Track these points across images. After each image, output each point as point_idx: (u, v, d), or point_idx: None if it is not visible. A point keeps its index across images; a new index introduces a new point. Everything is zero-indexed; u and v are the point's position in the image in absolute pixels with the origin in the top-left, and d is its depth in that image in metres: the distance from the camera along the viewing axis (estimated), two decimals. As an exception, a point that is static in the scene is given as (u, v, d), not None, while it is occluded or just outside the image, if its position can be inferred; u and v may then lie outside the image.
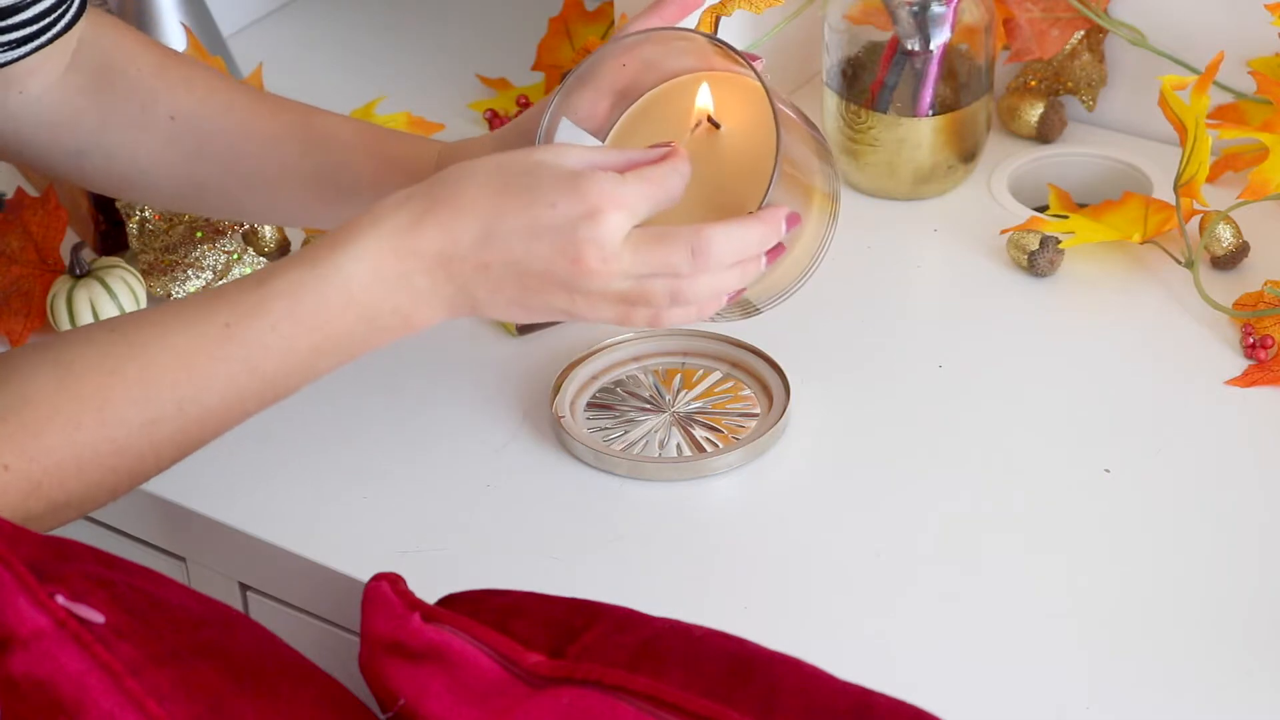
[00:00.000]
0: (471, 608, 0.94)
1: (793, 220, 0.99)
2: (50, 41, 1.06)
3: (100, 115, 1.12)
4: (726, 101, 1.04)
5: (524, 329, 1.20)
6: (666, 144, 0.99)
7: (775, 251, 1.00)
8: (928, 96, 1.29)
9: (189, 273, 1.25)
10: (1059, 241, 1.24)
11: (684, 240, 0.96)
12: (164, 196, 1.16)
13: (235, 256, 1.26)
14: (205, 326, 0.95)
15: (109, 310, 1.20)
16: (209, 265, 1.26)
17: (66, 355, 0.95)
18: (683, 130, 1.04)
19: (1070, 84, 1.38)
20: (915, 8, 1.26)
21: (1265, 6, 1.27)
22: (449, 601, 0.96)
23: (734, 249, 0.97)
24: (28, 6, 1.04)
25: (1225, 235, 1.24)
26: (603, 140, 1.06)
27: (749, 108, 1.03)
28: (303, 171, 1.13)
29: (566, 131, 1.03)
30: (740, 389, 1.16)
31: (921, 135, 1.30)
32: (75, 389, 0.94)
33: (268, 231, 1.26)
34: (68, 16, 1.07)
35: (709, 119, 1.04)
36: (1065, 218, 1.27)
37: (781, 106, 1.00)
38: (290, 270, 0.96)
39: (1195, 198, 1.21)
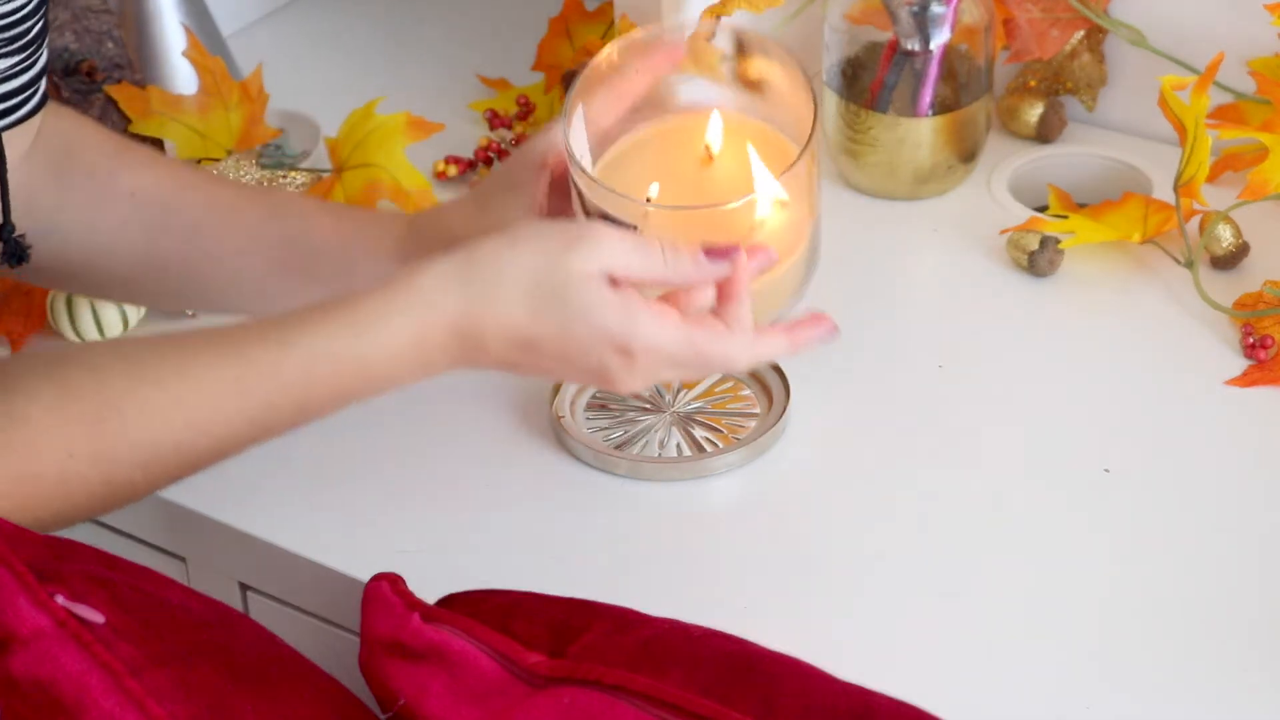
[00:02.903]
0: (471, 608, 0.94)
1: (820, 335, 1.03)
2: (12, 125, 1.05)
3: (58, 195, 1.09)
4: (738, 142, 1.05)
5: None
6: (721, 250, 0.99)
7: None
8: (928, 96, 1.29)
9: (189, 273, 1.25)
10: (1059, 241, 1.24)
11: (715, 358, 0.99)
12: (120, 281, 1.12)
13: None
14: (215, 376, 0.95)
15: (109, 311, 1.20)
16: (209, 265, 1.26)
17: (69, 378, 0.94)
18: (687, 161, 1.05)
19: (1070, 84, 1.38)
20: (915, 8, 1.26)
21: (1265, 6, 1.27)
22: (449, 601, 0.96)
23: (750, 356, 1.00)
24: None
25: (1225, 235, 1.24)
26: (600, 152, 1.05)
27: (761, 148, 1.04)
28: (268, 238, 1.11)
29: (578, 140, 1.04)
30: (740, 389, 1.16)
31: (921, 135, 1.30)
32: (75, 414, 0.94)
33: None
34: (31, 103, 1.06)
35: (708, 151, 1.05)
36: (1065, 218, 1.26)
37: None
38: (314, 336, 0.96)
39: (1195, 198, 1.21)
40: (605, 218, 1.01)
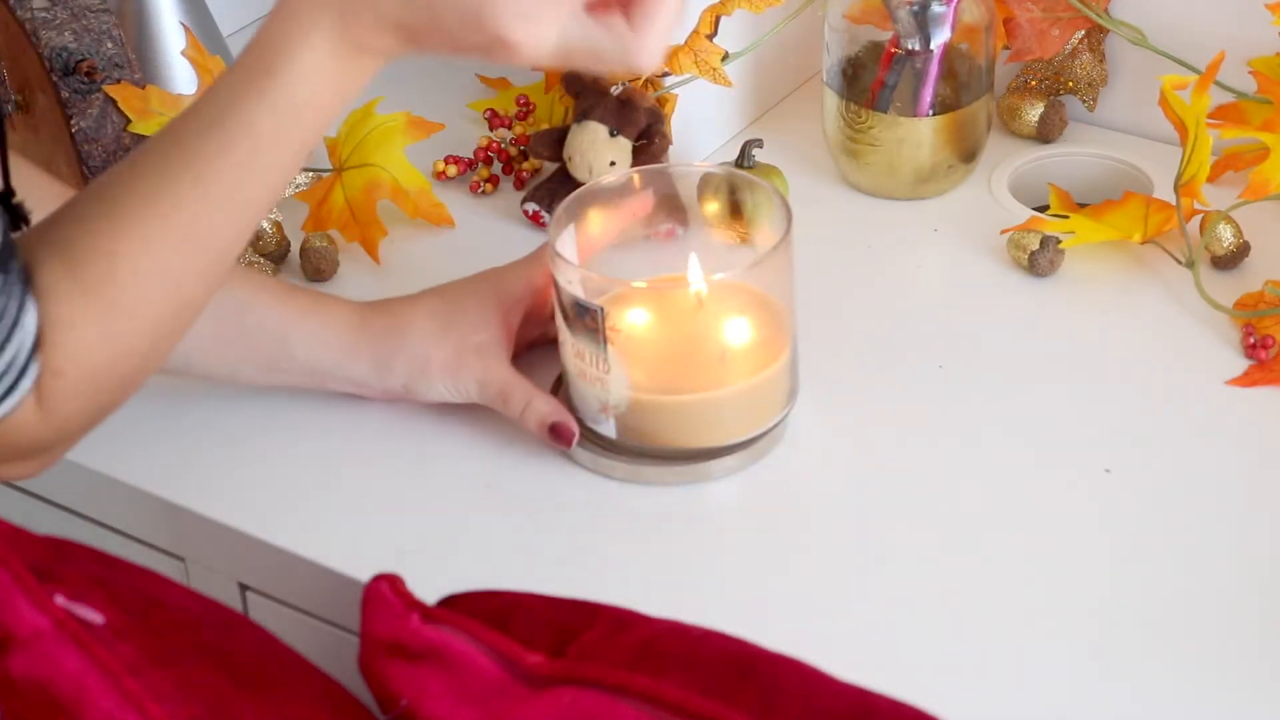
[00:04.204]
0: (471, 608, 0.94)
1: None
2: None
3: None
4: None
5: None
6: None
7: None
8: (928, 96, 1.28)
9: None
10: (1059, 241, 1.24)
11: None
12: None
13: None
14: (175, 178, 0.92)
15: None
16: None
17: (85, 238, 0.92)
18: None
19: (1070, 84, 1.38)
20: (915, 8, 1.26)
21: (1265, 6, 1.27)
22: (449, 601, 0.96)
23: None
24: None
25: (1226, 235, 1.24)
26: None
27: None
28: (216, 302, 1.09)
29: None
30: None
31: (921, 135, 1.30)
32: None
33: (266, 226, 1.27)
34: None
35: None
36: (1065, 218, 1.26)
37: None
38: (240, 108, 0.92)
39: (1196, 197, 1.21)
40: (578, 304, 1.06)
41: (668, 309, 1.09)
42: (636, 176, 1.13)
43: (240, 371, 1.12)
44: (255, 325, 1.10)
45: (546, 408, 1.10)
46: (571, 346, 1.08)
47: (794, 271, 1.09)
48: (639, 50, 0.92)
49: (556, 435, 1.10)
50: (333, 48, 0.91)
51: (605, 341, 1.05)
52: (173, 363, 1.10)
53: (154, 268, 0.92)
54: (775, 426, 1.10)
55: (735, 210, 1.12)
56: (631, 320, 1.08)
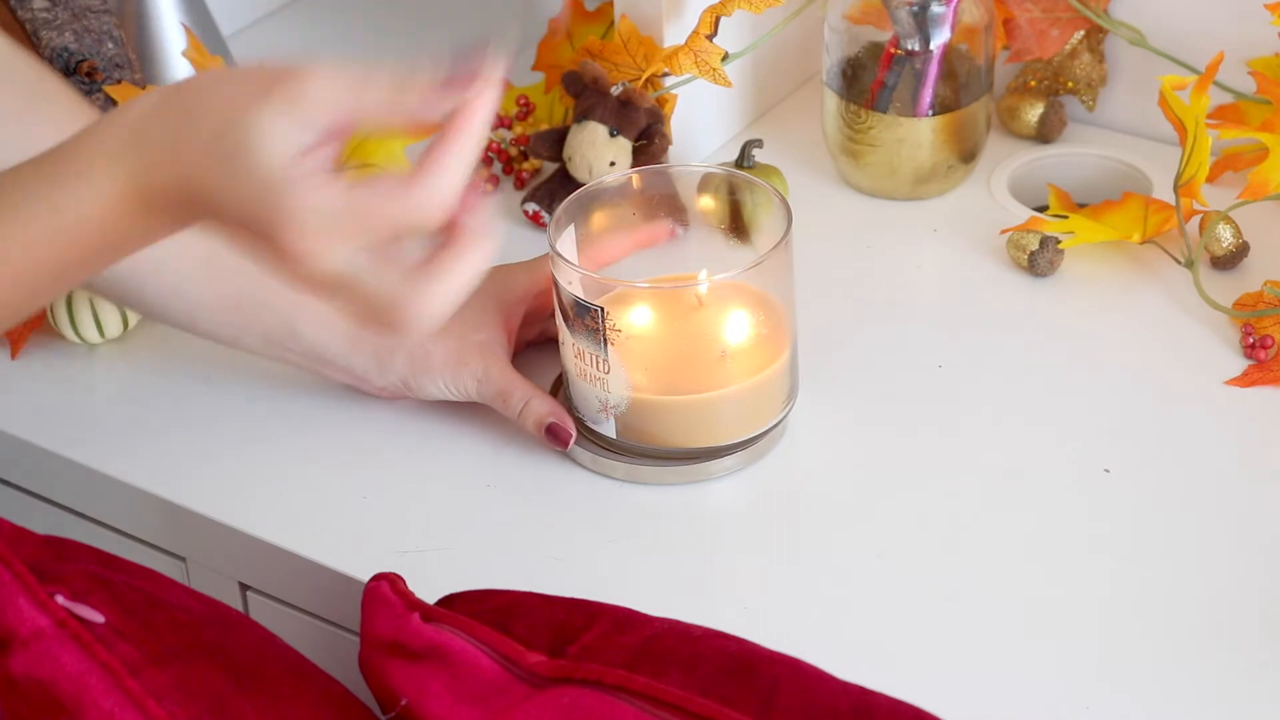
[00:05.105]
0: (471, 608, 0.94)
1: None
2: None
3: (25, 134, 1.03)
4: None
5: None
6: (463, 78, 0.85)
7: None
8: (927, 96, 1.29)
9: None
10: (1059, 241, 1.24)
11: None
12: None
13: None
14: None
15: (109, 310, 1.20)
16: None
17: None
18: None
19: (1070, 84, 1.38)
20: (915, 8, 1.26)
21: (1265, 6, 1.27)
22: (449, 601, 0.96)
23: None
24: None
25: (1225, 235, 1.24)
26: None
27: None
28: (223, 267, 1.09)
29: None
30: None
31: (921, 135, 1.30)
32: None
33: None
34: None
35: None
36: (1065, 218, 1.26)
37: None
38: (17, 188, 0.86)
39: (1195, 198, 1.21)
40: (578, 303, 1.05)
41: (668, 309, 1.09)
42: (636, 177, 1.13)
43: (244, 340, 1.11)
44: (268, 298, 1.09)
45: (544, 408, 1.10)
46: (572, 346, 1.08)
47: (794, 271, 1.09)
48: (415, 303, 0.84)
49: (553, 436, 1.10)
50: (122, 188, 0.85)
51: (606, 341, 1.06)
52: (179, 318, 1.10)
53: None
54: (775, 426, 1.11)
55: (735, 210, 1.12)
56: (632, 320, 1.08)
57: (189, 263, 1.09)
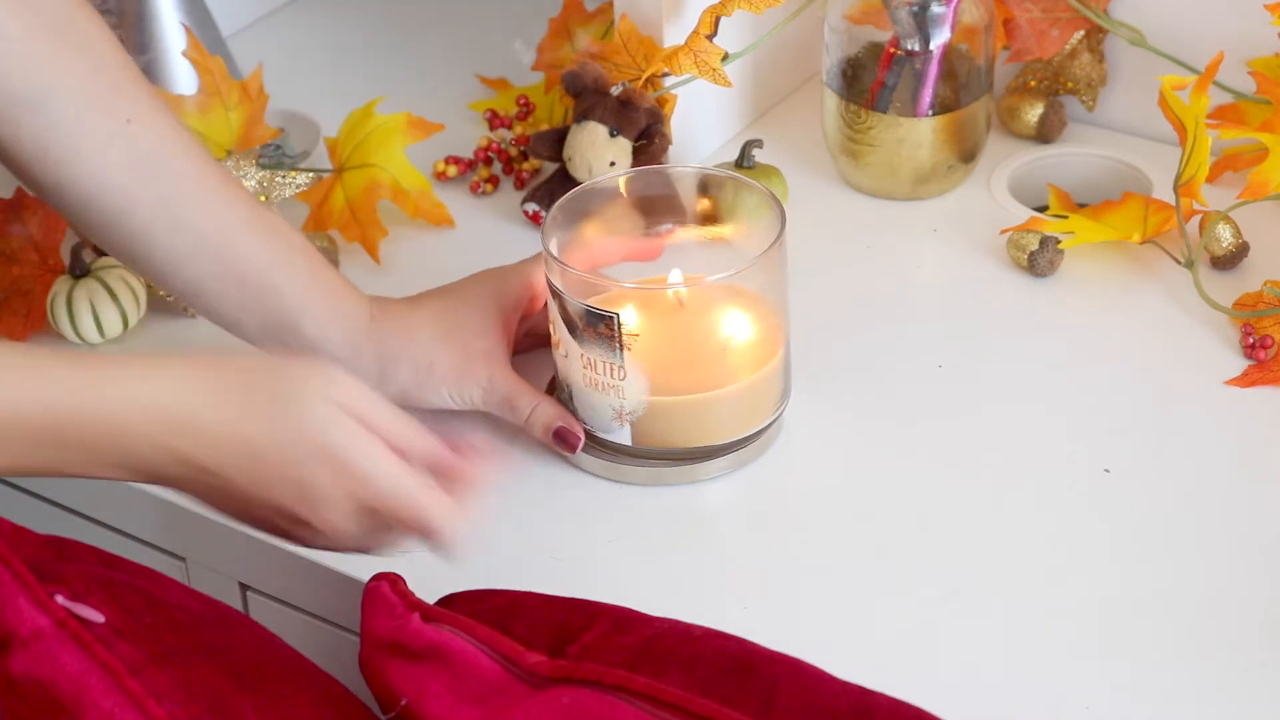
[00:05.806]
0: (471, 608, 0.94)
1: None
2: None
3: (55, 64, 1.02)
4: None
5: None
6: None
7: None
8: (927, 96, 1.29)
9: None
10: (1059, 241, 1.24)
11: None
12: (83, 200, 1.05)
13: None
14: None
15: (109, 310, 1.20)
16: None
17: None
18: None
19: (1070, 84, 1.38)
20: (915, 8, 1.26)
21: (1265, 6, 1.27)
22: (449, 601, 0.96)
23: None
24: None
25: (1225, 235, 1.24)
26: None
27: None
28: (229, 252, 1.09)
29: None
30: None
31: (921, 135, 1.30)
32: None
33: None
34: None
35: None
36: (1065, 218, 1.26)
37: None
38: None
39: (1195, 198, 1.21)
40: (589, 312, 1.05)
41: (667, 310, 1.09)
42: (635, 177, 1.13)
43: (243, 324, 1.09)
44: (275, 288, 1.08)
45: (552, 412, 1.10)
46: (580, 357, 1.07)
47: (788, 271, 1.09)
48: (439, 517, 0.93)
49: (561, 440, 1.10)
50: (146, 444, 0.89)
51: (622, 348, 1.05)
52: (183, 286, 1.08)
53: None
54: (771, 425, 1.11)
55: (730, 211, 1.12)
56: (637, 324, 1.07)
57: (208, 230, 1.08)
